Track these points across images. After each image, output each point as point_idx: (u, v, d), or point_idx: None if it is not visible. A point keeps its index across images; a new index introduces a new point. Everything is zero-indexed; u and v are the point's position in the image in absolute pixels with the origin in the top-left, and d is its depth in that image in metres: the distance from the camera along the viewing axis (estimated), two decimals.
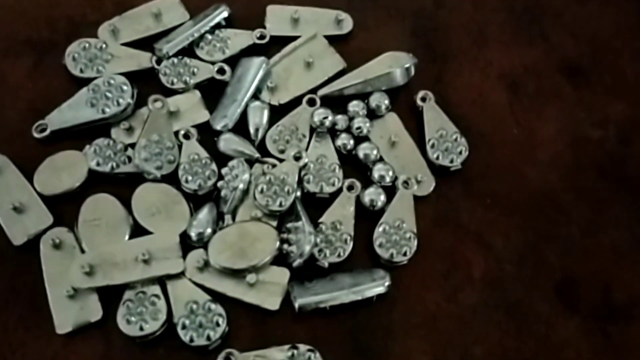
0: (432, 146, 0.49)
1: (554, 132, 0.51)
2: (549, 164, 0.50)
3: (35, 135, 0.48)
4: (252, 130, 0.48)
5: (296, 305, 0.43)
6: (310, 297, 0.43)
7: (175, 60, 0.50)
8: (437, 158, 0.48)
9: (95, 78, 0.49)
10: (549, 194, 0.48)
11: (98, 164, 0.46)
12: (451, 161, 0.48)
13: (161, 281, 0.43)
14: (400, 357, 0.43)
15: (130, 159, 0.46)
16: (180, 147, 0.47)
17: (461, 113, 0.51)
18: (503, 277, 0.46)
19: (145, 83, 0.50)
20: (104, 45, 0.50)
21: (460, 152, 0.48)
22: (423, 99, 0.50)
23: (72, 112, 0.48)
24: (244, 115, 0.49)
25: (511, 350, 0.43)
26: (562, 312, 0.45)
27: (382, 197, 0.47)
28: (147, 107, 0.48)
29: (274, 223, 0.45)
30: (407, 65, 0.50)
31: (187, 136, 0.48)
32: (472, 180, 0.49)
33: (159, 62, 0.50)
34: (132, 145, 0.47)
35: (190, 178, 0.46)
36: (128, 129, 0.47)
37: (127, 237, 0.44)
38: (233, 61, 0.51)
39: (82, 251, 0.43)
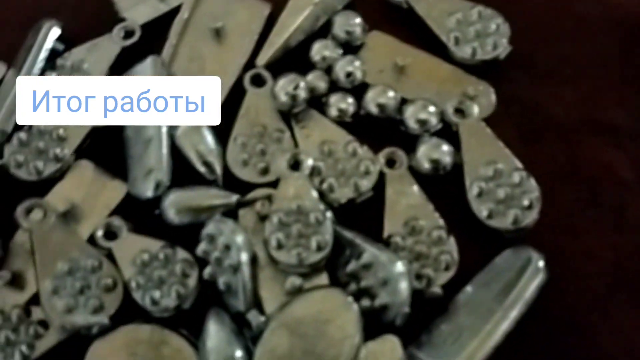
0: (456, 42, 0.31)
1: None
2: None
3: None
4: (201, 169, 0.29)
5: None
6: (457, 353, 0.25)
7: (23, 135, 0.29)
8: (474, 53, 0.31)
9: None
10: None
11: None
12: (494, 47, 0.31)
13: None
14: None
15: (46, 325, 0.26)
16: (111, 258, 0.27)
17: None
18: None
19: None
20: None
21: (495, 46, 0.31)
22: None
23: None
24: (175, 156, 0.29)
25: None
26: None
27: (445, 148, 0.29)
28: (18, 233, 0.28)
29: (325, 279, 0.27)
30: None
31: (112, 234, 0.28)
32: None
33: None
34: (29, 305, 0.27)
35: (156, 295, 0.26)
36: (10, 280, 0.27)
37: None
38: None
39: None
